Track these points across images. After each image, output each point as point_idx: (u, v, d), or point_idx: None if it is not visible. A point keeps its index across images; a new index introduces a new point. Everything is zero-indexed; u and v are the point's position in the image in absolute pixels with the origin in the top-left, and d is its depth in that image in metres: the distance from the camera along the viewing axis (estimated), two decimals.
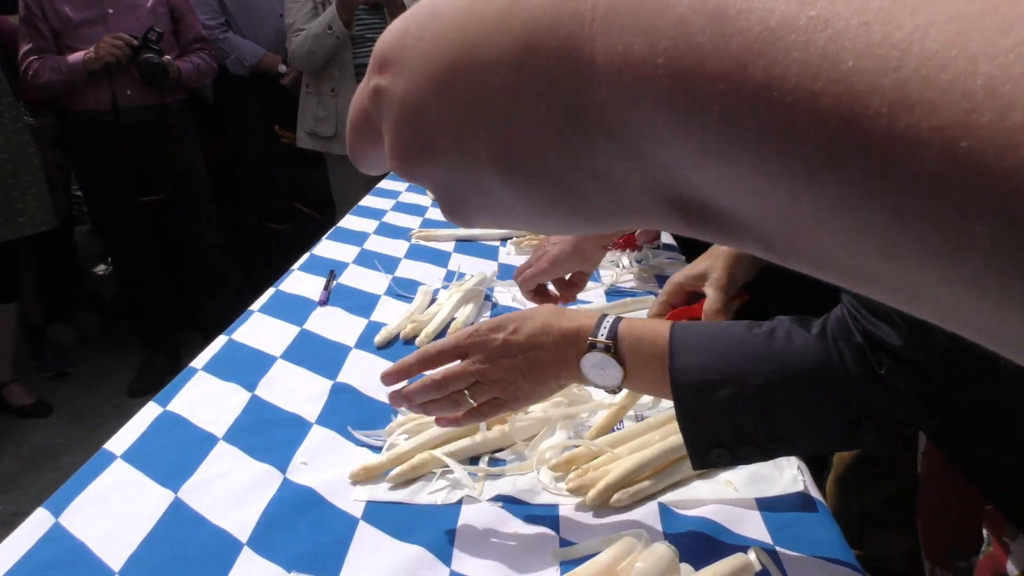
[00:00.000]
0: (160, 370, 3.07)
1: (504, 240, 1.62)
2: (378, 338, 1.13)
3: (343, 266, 1.47)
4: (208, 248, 3.00)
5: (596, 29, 0.18)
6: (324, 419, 0.92)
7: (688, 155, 0.17)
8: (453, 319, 1.17)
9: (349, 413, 0.93)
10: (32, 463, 2.61)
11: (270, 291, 1.36)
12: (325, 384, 1.01)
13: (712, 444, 0.65)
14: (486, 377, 0.71)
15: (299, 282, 1.40)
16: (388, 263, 1.47)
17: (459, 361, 0.74)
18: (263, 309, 1.28)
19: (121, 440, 0.89)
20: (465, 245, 1.60)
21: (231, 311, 3.02)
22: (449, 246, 1.60)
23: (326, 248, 1.60)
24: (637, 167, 0.19)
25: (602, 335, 0.69)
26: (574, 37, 0.18)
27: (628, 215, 0.21)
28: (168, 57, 2.68)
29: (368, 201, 2.00)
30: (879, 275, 0.16)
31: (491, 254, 1.54)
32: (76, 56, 2.57)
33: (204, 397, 0.98)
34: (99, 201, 2.87)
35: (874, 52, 0.14)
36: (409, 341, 1.13)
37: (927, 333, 0.56)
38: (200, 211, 2.95)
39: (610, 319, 0.70)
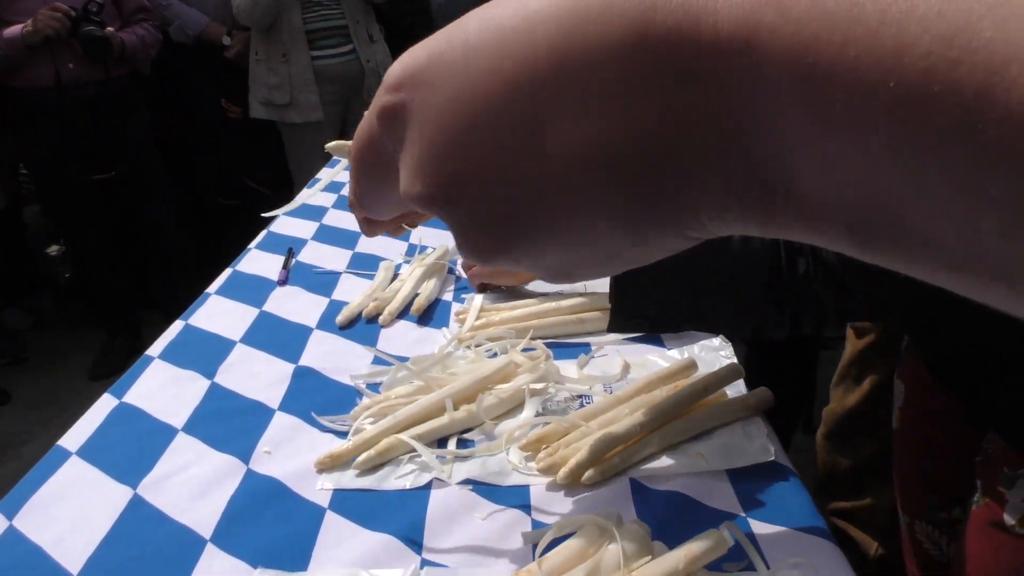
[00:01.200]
0: (120, 352, 3.01)
1: None
2: (340, 318, 1.10)
3: (302, 243, 1.43)
4: (163, 226, 2.92)
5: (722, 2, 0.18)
6: (287, 405, 0.90)
7: (807, 127, 0.17)
8: (417, 295, 1.15)
9: (312, 398, 0.91)
10: None
11: (227, 272, 1.32)
12: (287, 368, 0.98)
13: (636, 315, 0.71)
14: None
15: (257, 261, 1.36)
16: (348, 238, 1.44)
17: None
18: (220, 291, 1.24)
19: (76, 435, 0.86)
20: None
21: (190, 288, 2.98)
22: None
23: (284, 224, 1.56)
24: (736, 145, 0.18)
25: None
26: (696, 11, 0.18)
27: (694, 212, 0.20)
28: (111, 29, 2.57)
29: (322, 174, 1.96)
30: (991, 262, 0.15)
31: None
32: (13, 30, 2.46)
33: (161, 386, 0.96)
34: (47, 180, 2.78)
35: (1011, 25, 0.13)
36: (372, 320, 1.11)
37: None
38: (153, 188, 2.87)
39: None
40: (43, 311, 3.54)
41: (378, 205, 0.27)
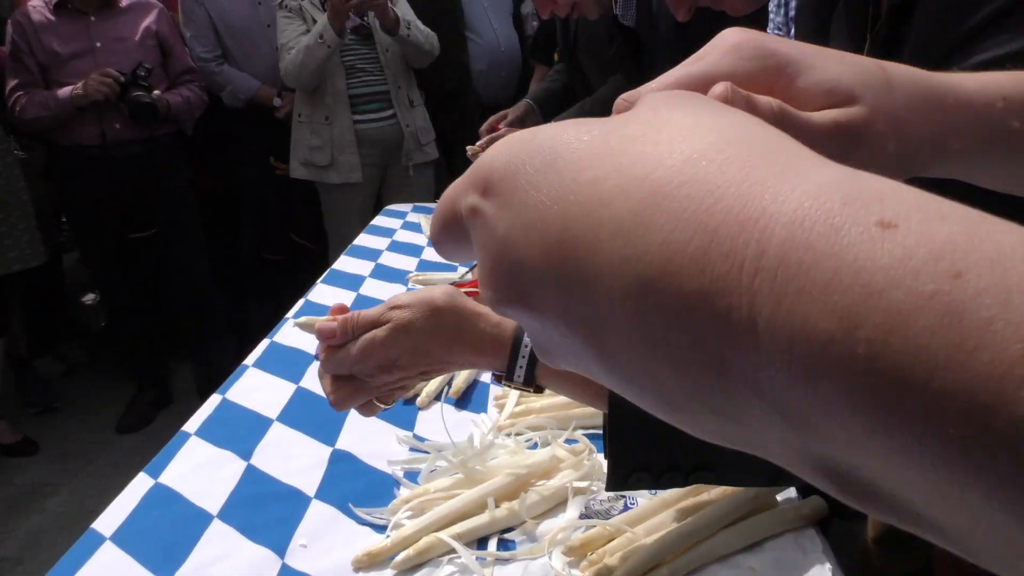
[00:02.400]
0: (148, 404, 3.02)
1: None
2: None
3: None
4: (197, 282, 2.95)
5: (760, 285, 0.16)
6: (324, 492, 0.88)
7: (864, 443, 0.15)
8: (455, 376, 1.14)
9: (350, 485, 0.90)
10: (18, 504, 2.54)
11: (264, 343, 1.32)
12: (324, 451, 0.97)
13: (637, 468, 0.63)
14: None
15: (294, 333, 1.36)
16: None
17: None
18: (258, 364, 1.24)
19: (110, 518, 0.85)
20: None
21: (220, 345, 2.99)
22: None
23: (321, 293, 1.56)
24: (786, 431, 0.17)
25: (519, 376, 0.67)
26: (726, 285, 0.16)
27: (758, 451, 0.19)
28: (158, 92, 2.65)
29: (363, 240, 1.97)
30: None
31: None
32: (64, 92, 2.54)
33: (198, 466, 0.94)
34: (87, 235, 2.83)
35: None
36: (409, 400, 1.09)
37: None
38: (190, 244, 2.91)
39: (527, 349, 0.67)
40: (75, 360, 3.57)
41: (450, 254, 0.27)
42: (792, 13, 1.15)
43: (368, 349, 0.67)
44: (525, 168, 0.22)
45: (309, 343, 1.30)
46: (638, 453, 0.63)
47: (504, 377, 0.68)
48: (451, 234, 0.26)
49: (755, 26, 1.22)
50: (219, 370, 2.85)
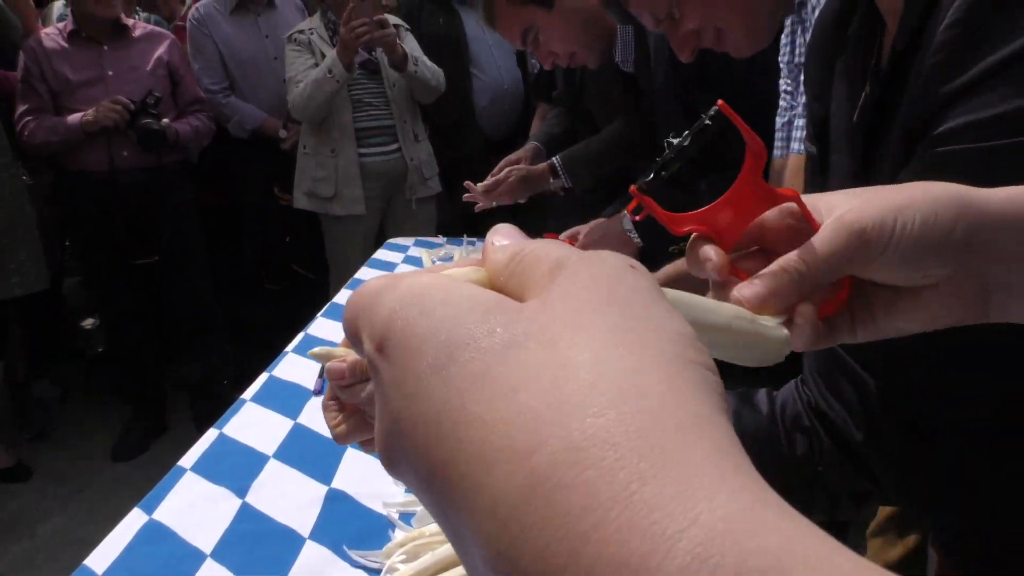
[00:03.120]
0: (143, 432, 3.01)
1: None
2: None
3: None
4: (198, 309, 2.96)
5: None
6: (318, 533, 0.88)
7: None
8: None
9: (344, 526, 0.89)
10: (8, 530, 2.52)
11: (263, 377, 1.32)
12: (320, 490, 0.97)
13: None
14: None
15: (292, 367, 1.36)
16: None
17: None
18: (255, 398, 1.24)
19: (103, 554, 0.84)
20: None
21: (219, 374, 2.98)
22: None
23: (321, 327, 1.57)
24: None
25: None
26: None
27: None
28: (167, 120, 2.68)
29: (363, 274, 1.98)
30: None
31: None
32: (74, 118, 2.56)
33: (192, 504, 0.94)
34: (91, 259, 2.85)
35: None
36: None
37: (891, 435, 0.54)
38: (192, 272, 2.92)
39: None
40: (72, 384, 3.56)
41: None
42: (799, 55, 1.17)
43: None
44: (423, 358, 0.20)
45: (307, 378, 1.30)
46: None
47: None
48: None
49: (754, 68, 1.24)
50: (217, 399, 2.85)
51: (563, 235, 1.76)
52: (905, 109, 0.54)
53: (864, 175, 0.64)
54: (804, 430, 0.61)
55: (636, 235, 1.59)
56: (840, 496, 0.60)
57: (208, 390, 2.98)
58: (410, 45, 2.79)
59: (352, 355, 0.72)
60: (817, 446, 0.60)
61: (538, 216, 2.97)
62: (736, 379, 0.69)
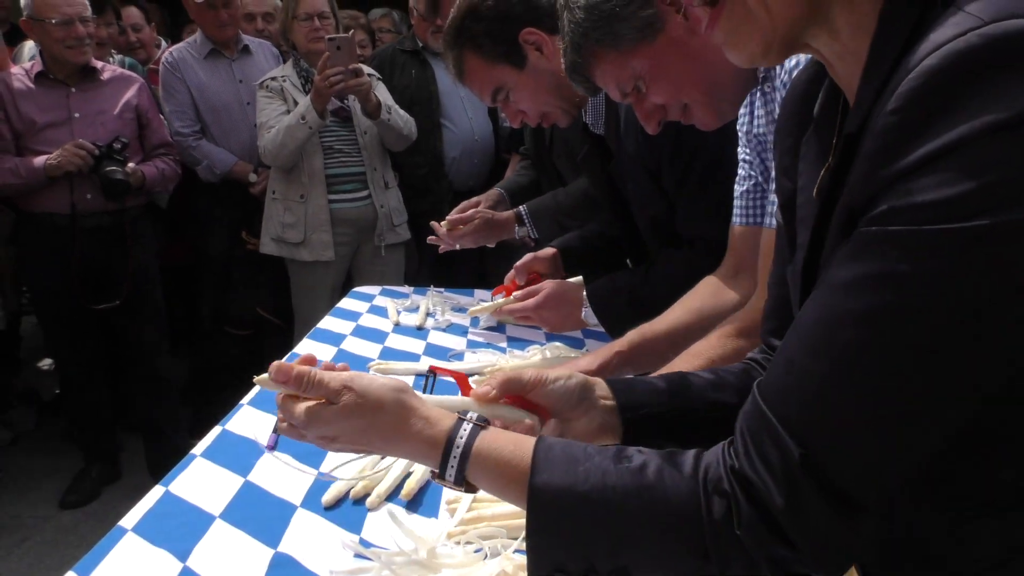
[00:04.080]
0: (95, 479, 2.92)
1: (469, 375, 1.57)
2: (325, 497, 1.06)
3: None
4: (153, 353, 2.90)
5: None
6: None
7: None
8: (409, 474, 1.12)
9: None
10: None
11: (216, 431, 1.29)
12: (265, 554, 0.94)
13: (556, 568, 0.65)
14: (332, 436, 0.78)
15: (248, 420, 1.33)
16: None
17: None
18: (206, 454, 1.20)
19: None
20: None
21: (175, 421, 2.91)
22: (408, 380, 1.54)
23: None
24: None
25: (450, 475, 0.72)
26: None
27: None
28: (132, 165, 2.65)
29: (327, 323, 1.96)
30: None
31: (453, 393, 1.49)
32: (37, 161, 2.54)
33: (130, 569, 0.90)
34: (46, 302, 2.79)
35: None
36: (359, 501, 1.07)
37: (812, 505, 0.54)
38: (149, 315, 2.87)
39: (462, 440, 0.72)
40: (23, 427, 3.45)
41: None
42: (758, 125, 1.19)
43: (312, 419, 0.75)
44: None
45: (262, 433, 1.27)
46: (556, 553, 0.65)
47: (437, 475, 0.73)
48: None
49: (720, 138, 1.30)
50: (172, 446, 2.78)
51: (517, 294, 1.76)
52: (849, 188, 0.55)
53: (817, 249, 0.64)
54: (723, 493, 0.61)
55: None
56: (757, 560, 0.60)
57: (162, 437, 2.90)
58: (382, 94, 2.81)
59: (298, 367, 0.76)
60: (736, 509, 0.59)
61: (507, 264, 2.98)
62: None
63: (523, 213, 2.12)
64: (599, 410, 0.87)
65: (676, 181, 1.50)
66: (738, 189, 1.25)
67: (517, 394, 0.86)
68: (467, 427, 0.73)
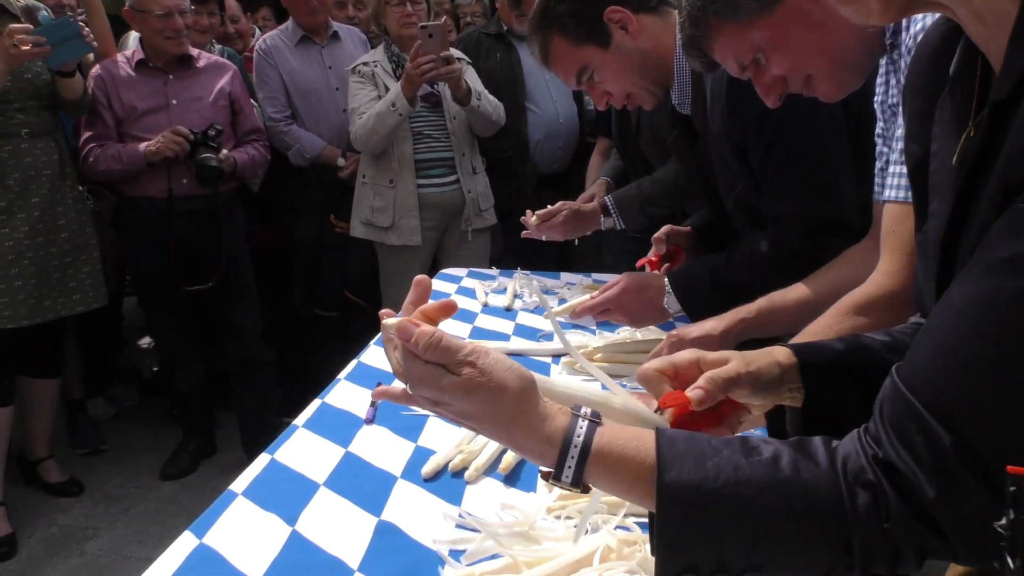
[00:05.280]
0: (192, 453, 3.04)
1: (556, 357, 1.57)
2: (425, 469, 1.08)
3: (390, 379, 1.42)
4: (247, 334, 2.99)
5: None
6: (367, 566, 0.87)
7: None
8: (505, 450, 1.12)
9: (394, 559, 0.88)
10: (58, 545, 2.56)
11: (315, 403, 1.32)
12: (370, 521, 0.95)
13: (685, 568, 0.62)
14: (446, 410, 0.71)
15: (345, 394, 1.36)
16: None
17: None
18: (308, 424, 1.24)
19: None
20: (515, 359, 1.55)
21: (268, 400, 3.00)
22: (546, 361, 1.55)
23: (373, 355, 1.57)
24: None
25: (567, 476, 0.66)
26: None
27: None
28: (225, 152, 2.73)
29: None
30: None
31: (543, 370, 1.49)
32: (137, 147, 2.64)
33: (242, 530, 0.93)
34: (145, 283, 2.92)
35: None
36: (458, 474, 1.08)
37: (966, 494, 0.51)
38: (242, 297, 2.96)
39: (579, 439, 0.66)
40: (126, 404, 3.62)
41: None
42: (892, 96, 1.14)
43: (428, 381, 0.67)
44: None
45: (360, 407, 1.29)
46: (687, 553, 0.62)
47: (552, 476, 0.67)
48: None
49: (808, 112, 1.27)
50: (265, 424, 2.87)
51: (600, 292, 1.67)
52: (1004, 160, 0.52)
53: (958, 221, 0.61)
54: (867, 484, 0.59)
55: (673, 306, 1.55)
56: (904, 551, 0.57)
57: (256, 416, 3.00)
58: (472, 79, 2.82)
59: (424, 327, 0.70)
60: (883, 500, 0.57)
61: (595, 252, 2.96)
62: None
63: (608, 203, 2.09)
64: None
65: (760, 156, 1.45)
66: (876, 165, 1.21)
67: (724, 394, 0.78)
68: (583, 424, 0.66)
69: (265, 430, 2.92)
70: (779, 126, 1.40)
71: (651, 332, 1.65)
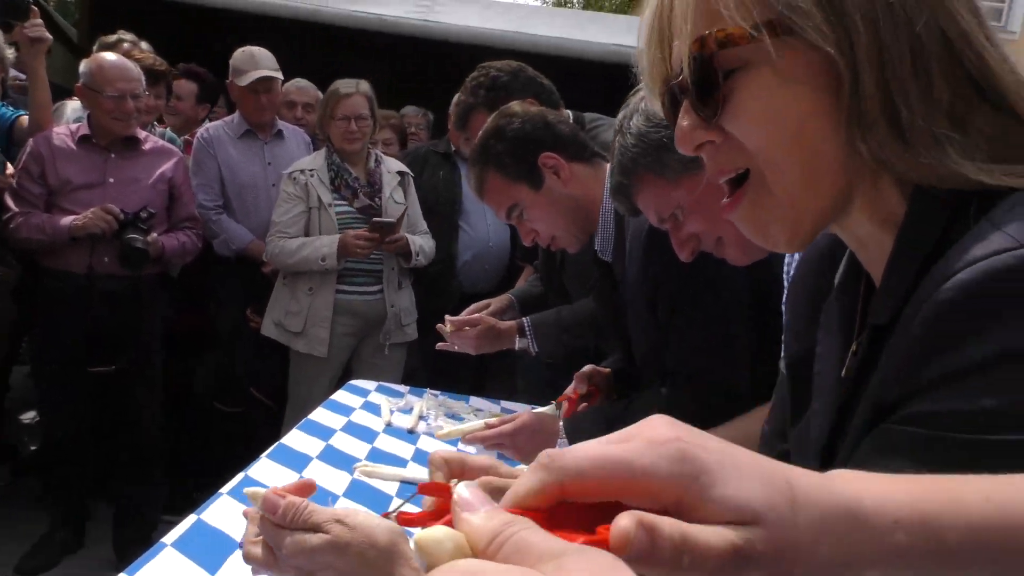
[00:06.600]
0: (57, 545, 2.81)
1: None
2: None
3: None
4: (144, 423, 2.84)
5: None
6: None
7: None
8: None
9: None
10: None
11: (190, 519, 1.24)
12: None
13: None
14: None
15: (225, 511, 1.29)
16: (321, 500, 1.37)
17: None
18: (176, 544, 1.16)
19: None
20: (412, 489, 1.51)
21: (150, 493, 2.83)
22: (392, 487, 1.51)
23: (262, 469, 1.50)
24: None
25: None
26: None
27: None
28: (154, 235, 2.68)
29: (318, 415, 1.92)
30: None
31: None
32: (64, 221, 2.57)
33: None
34: (46, 357, 2.76)
35: None
36: None
37: None
38: (145, 385, 2.83)
39: None
40: None
41: None
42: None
43: (296, 549, 0.68)
44: None
45: (236, 528, 1.23)
46: None
47: None
48: None
49: (757, 273, 1.26)
50: (143, 521, 2.69)
51: (491, 421, 1.67)
52: (879, 381, 0.54)
53: (840, 432, 0.62)
54: None
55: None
56: None
57: (134, 511, 2.81)
58: (415, 220, 2.91)
59: (291, 497, 0.70)
60: None
61: (509, 373, 2.96)
62: None
63: (526, 325, 2.11)
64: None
65: (667, 312, 1.50)
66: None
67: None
68: None
69: (141, 527, 2.74)
70: (683, 285, 1.45)
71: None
